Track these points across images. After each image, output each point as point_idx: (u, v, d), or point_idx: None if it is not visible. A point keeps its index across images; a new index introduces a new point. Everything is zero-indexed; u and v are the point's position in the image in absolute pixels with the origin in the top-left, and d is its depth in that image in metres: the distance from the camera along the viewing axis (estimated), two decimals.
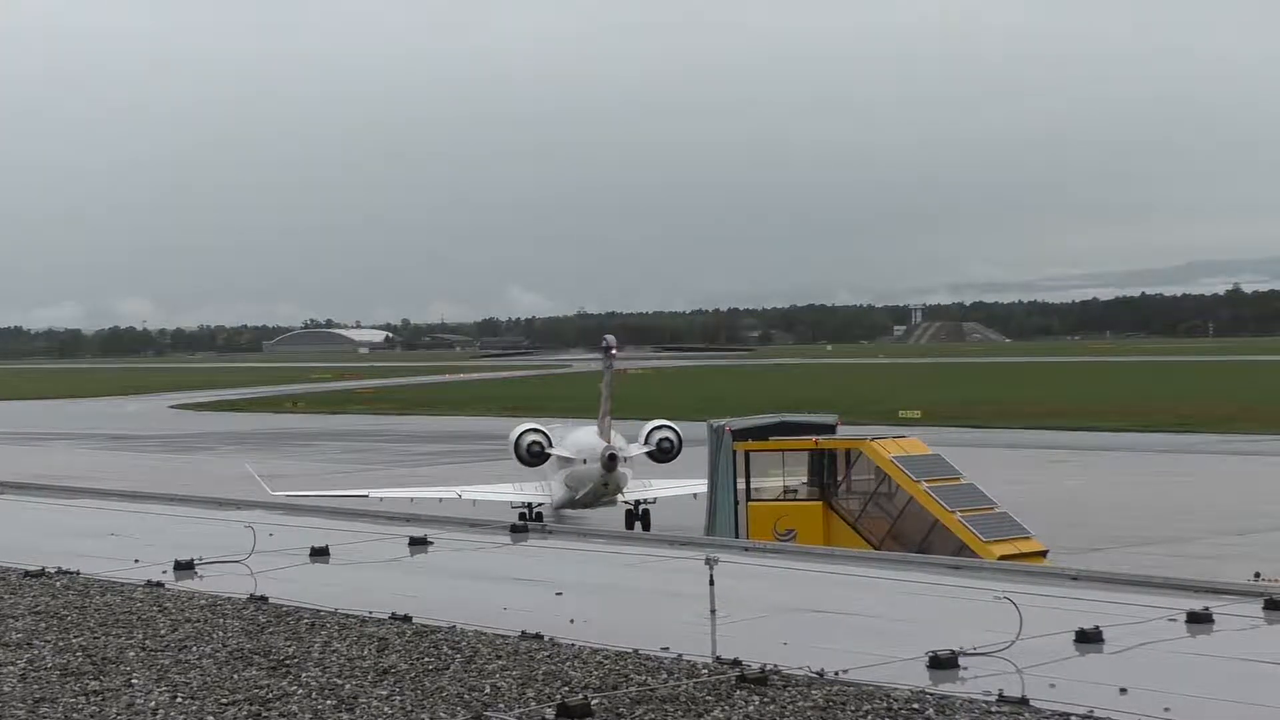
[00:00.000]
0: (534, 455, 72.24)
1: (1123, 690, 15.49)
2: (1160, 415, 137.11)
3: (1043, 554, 47.21)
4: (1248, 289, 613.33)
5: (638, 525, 68.67)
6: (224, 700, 16.54)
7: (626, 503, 69.92)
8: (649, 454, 72.69)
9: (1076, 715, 14.59)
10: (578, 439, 71.86)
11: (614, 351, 72.93)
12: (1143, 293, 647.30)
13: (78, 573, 25.14)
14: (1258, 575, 41.31)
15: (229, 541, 27.26)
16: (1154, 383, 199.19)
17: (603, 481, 68.21)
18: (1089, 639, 17.76)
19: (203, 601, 22.20)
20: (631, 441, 72.70)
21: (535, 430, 73.28)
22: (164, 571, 25.02)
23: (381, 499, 65.56)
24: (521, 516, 59.67)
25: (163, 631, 20.30)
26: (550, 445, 71.88)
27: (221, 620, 20.81)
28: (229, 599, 22.25)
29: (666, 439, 72.40)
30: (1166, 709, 14.81)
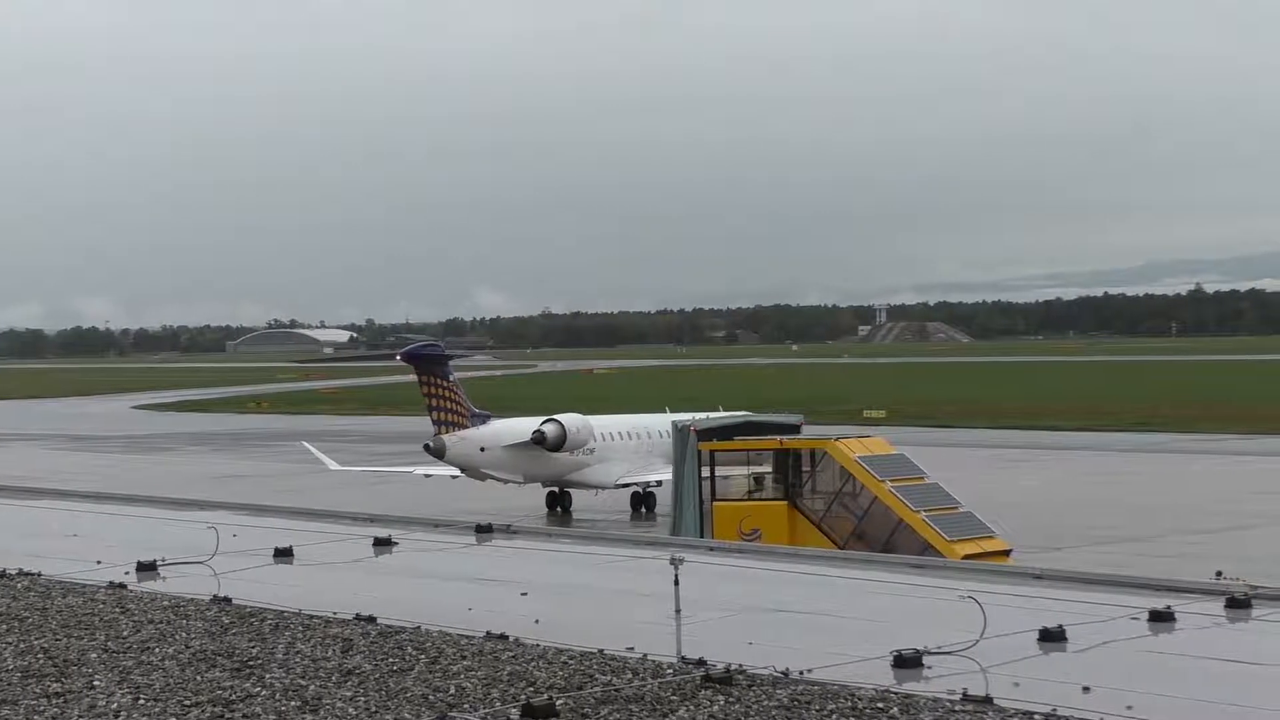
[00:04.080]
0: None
1: (1086, 689, 15.55)
2: (1123, 414, 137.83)
3: (1006, 553, 47.39)
4: (1209, 289, 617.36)
5: (643, 508, 77.38)
6: (187, 702, 16.45)
7: (634, 486, 77.08)
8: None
9: (1040, 714, 14.64)
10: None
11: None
12: (1105, 293, 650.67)
13: (39, 574, 24.99)
14: (1219, 574, 41.41)
15: (192, 542, 27.12)
16: (1117, 382, 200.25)
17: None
18: (1052, 638, 17.82)
19: (165, 603, 22.08)
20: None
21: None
22: (126, 573, 24.87)
23: (428, 474, 77.98)
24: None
25: (125, 633, 20.19)
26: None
27: (184, 622, 20.71)
28: (192, 600, 22.15)
29: (539, 431, 76.34)
30: (1129, 707, 14.88)
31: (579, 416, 78.35)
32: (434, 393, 75.87)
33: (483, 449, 76.03)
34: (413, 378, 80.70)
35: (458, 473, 77.20)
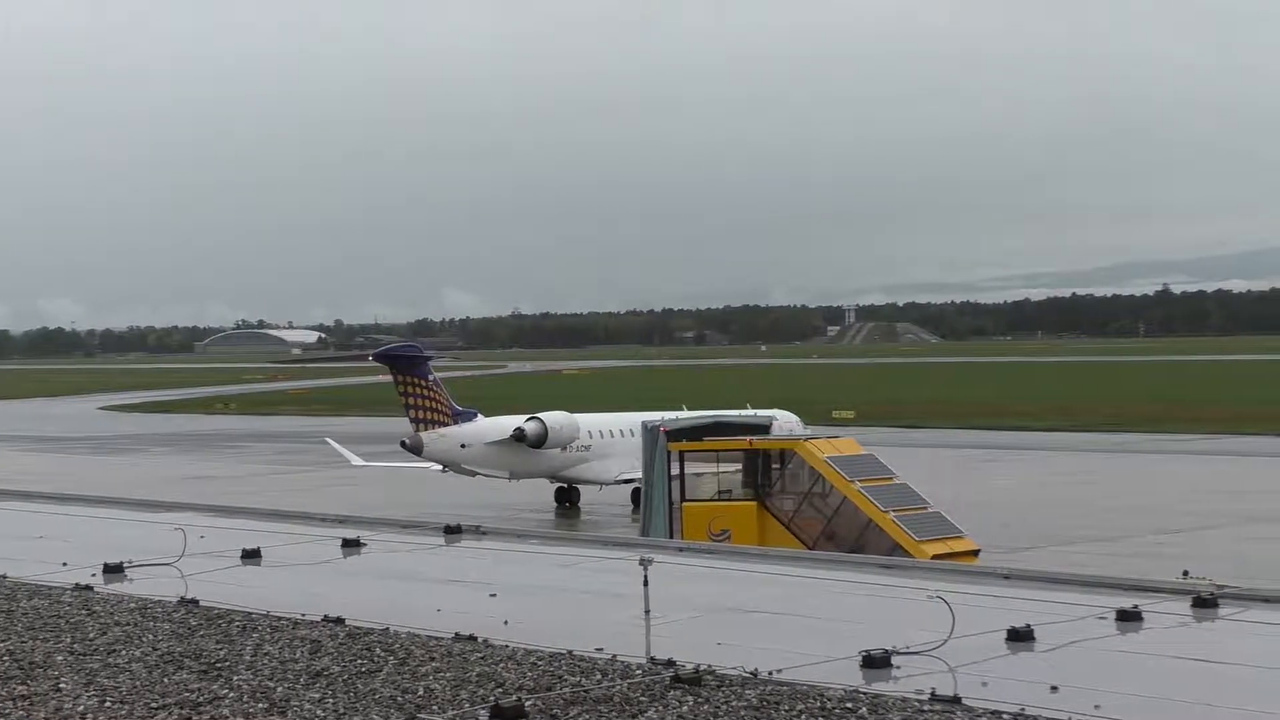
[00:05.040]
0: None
1: (1054, 688, 15.58)
2: (1091, 414, 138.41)
3: (975, 553, 47.55)
4: (1176, 289, 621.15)
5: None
6: (154, 704, 16.37)
7: (635, 481, 77.97)
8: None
9: (1008, 713, 14.66)
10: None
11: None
12: (1074, 293, 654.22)
13: (4, 576, 24.81)
14: (1186, 573, 41.68)
15: (159, 544, 26.97)
16: (1085, 382, 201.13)
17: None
18: (1020, 637, 17.86)
19: (132, 605, 21.96)
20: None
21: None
22: (93, 574, 24.73)
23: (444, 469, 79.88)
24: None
25: (91, 635, 20.07)
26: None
27: (151, 623, 20.60)
28: (159, 602, 22.03)
29: (519, 428, 78.64)
30: (1097, 706, 14.91)
31: (564, 414, 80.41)
32: (411, 392, 77.26)
33: (464, 446, 78.08)
34: (385, 378, 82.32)
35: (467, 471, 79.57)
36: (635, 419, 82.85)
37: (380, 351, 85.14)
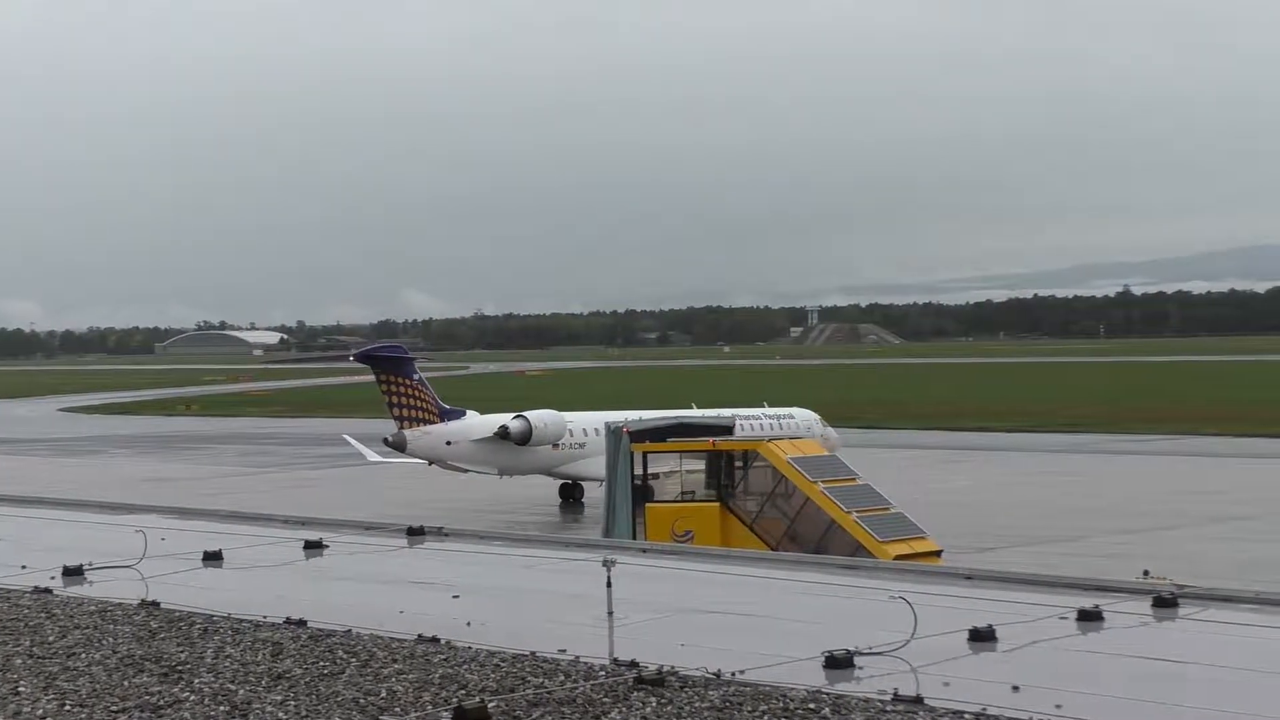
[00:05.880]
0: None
1: (1015, 688, 15.65)
2: (1051, 415, 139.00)
3: (937, 554, 47.62)
4: (1137, 291, 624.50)
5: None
6: (114, 708, 16.28)
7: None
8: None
9: (970, 713, 14.72)
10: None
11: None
12: (1035, 294, 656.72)
13: None
14: (1146, 573, 41.85)
15: (120, 546, 26.83)
16: (1046, 383, 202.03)
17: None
18: (982, 637, 17.92)
19: (92, 607, 21.84)
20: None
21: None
22: (52, 577, 24.58)
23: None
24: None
25: (51, 638, 19.95)
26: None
27: (112, 626, 20.49)
28: (119, 604, 21.92)
29: (504, 426, 79.86)
30: (1058, 706, 14.98)
31: (551, 412, 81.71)
32: (395, 391, 78.80)
33: (449, 443, 79.41)
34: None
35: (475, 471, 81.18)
36: (631, 417, 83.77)
37: (362, 352, 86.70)
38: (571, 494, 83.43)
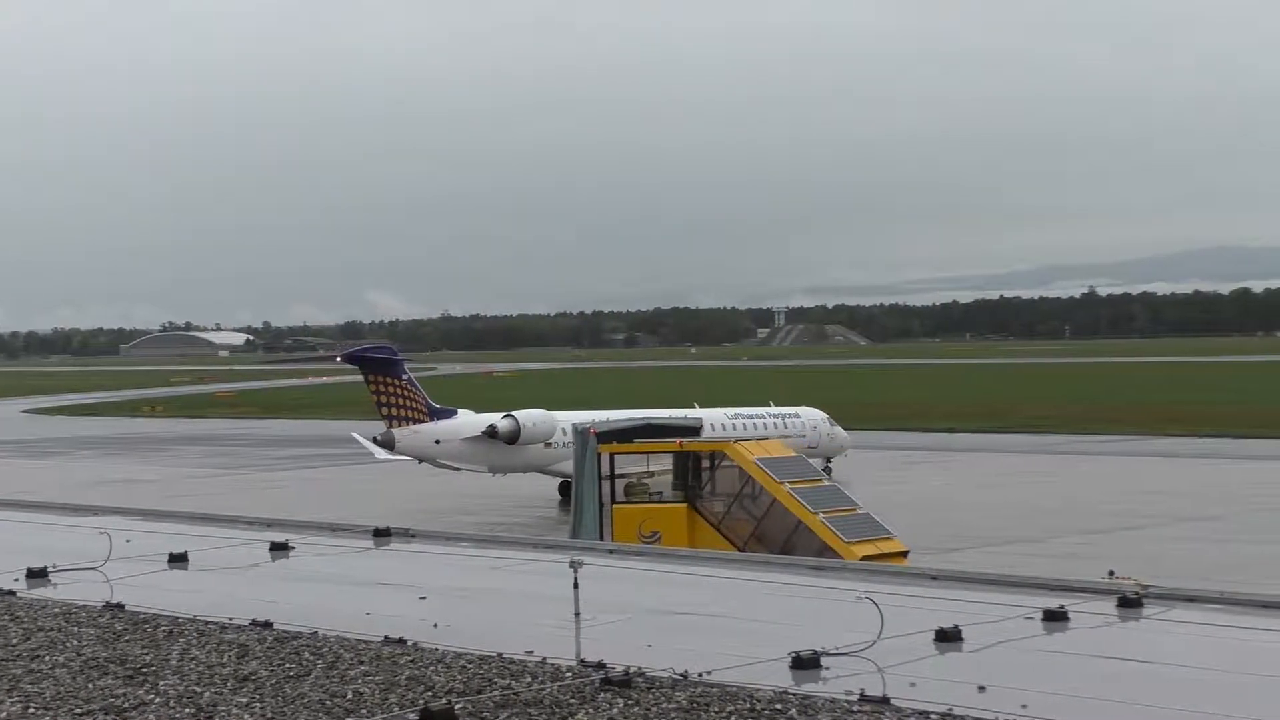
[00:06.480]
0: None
1: (981, 688, 15.69)
2: (1017, 416, 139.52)
3: (904, 554, 47.74)
4: (1102, 292, 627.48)
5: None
6: (78, 710, 16.20)
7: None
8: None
9: (936, 713, 14.75)
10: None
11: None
12: (1001, 295, 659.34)
13: None
14: (1111, 573, 41.96)
15: (84, 548, 26.67)
16: (1011, 384, 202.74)
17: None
18: (948, 638, 17.96)
19: (56, 610, 21.72)
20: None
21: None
22: (15, 580, 24.42)
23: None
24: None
25: (14, 641, 19.83)
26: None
27: (76, 629, 20.38)
28: (84, 607, 21.80)
29: (492, 425, 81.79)
30: (1024, 706, 15.03)
31: (540, 412, 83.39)
32: (383, 390, 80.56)
33: (438, 441, 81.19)
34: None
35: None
36: (623, 416, 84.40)
37: (350, 353, 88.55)
38: (570, 492, 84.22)
